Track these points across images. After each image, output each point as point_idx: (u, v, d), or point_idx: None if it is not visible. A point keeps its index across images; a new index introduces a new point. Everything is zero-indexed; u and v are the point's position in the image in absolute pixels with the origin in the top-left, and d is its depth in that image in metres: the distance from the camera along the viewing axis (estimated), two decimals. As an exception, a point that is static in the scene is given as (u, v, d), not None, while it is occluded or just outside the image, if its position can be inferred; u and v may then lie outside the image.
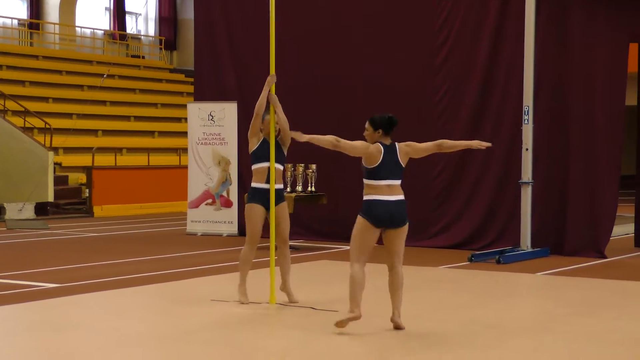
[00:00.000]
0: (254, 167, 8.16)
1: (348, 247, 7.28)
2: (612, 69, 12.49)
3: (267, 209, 7.97)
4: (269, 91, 8.07)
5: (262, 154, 8.06)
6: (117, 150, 23.41)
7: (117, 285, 9.79)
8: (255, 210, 7.95)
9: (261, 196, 7.92)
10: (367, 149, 7.10)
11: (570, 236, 12.63)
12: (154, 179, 22.24)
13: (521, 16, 12.66)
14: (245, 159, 15.44)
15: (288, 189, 13.18)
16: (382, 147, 7.12)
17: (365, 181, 7.16)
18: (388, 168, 7.09)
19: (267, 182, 7.94)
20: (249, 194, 8.10)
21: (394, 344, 6.65)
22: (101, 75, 23.67)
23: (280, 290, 8.42)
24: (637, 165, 13.64)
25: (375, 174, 7.08)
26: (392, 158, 7.13)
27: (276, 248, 8.32)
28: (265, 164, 8.00)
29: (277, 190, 8.00)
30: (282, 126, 8.16)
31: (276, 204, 7.99)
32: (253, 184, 8.06)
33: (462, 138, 12.99)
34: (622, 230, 15.18)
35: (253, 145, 8.18)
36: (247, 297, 8.26)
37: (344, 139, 7.17)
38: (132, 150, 24.63)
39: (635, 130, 13.70)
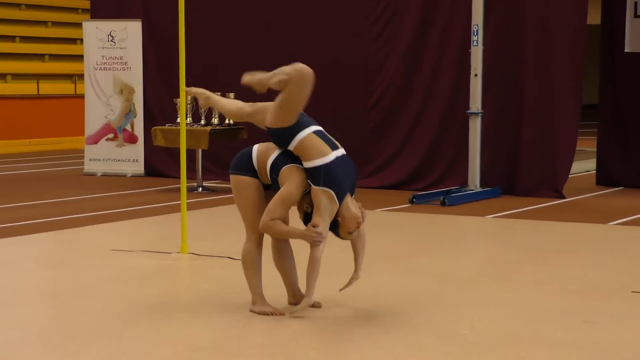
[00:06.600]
0: None
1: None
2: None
3: None
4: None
5: None
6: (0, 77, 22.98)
7: (2, 234, 9.67)
8: None
9: None
10: None
11: (524, 174, 12.80)
12: (44, 111, 21.96)
13: None
14: (152, 86, 15.37)
15: (202, 122, 13.09)
16: None
17: None
18: None
19: None
20: None
21: (322, 297, 6.68)
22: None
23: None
24: (599, 92, 13.79)
25: None
26: None
27: None
28: None
29: None
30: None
31: None
32: None
33: (400, 64, 13.11)
34: (583, 166, 15.46)
35: None
36: None
37: None
38: (18, 76, 24.22)
39: (597, 53, 13.81)
